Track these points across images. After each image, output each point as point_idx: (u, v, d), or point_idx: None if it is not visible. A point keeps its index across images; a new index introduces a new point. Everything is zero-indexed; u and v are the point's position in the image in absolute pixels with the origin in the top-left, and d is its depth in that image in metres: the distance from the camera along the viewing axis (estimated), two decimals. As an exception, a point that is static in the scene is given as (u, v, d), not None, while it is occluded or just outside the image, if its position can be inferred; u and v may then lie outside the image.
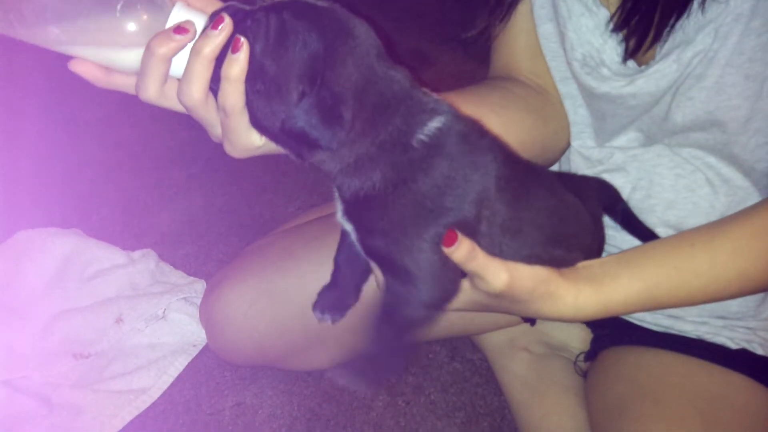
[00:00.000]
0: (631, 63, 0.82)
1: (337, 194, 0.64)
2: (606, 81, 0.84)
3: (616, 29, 0.79)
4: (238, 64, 0.57)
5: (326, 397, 1.08)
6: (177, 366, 1.11)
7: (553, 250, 0.70)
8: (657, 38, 0.76)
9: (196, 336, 1.15)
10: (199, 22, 0.60)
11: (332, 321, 0.77)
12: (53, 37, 0.60)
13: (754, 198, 0.82)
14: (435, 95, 0.64)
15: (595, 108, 0.89)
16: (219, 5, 0.64)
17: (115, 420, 1.04)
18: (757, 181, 0.81)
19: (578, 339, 1.04)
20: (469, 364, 1.14)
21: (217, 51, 0.59)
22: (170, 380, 1.10)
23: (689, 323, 0.88)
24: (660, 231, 0.86)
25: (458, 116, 0.63)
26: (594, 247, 0.78)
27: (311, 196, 1.45)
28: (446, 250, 0.61)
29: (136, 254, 1.28)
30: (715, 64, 0.75)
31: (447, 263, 0.62)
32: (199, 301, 1.17)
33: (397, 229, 0.61)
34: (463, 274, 0.66)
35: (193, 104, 0.61)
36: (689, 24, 0.75)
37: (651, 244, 0.78)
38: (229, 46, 0.58)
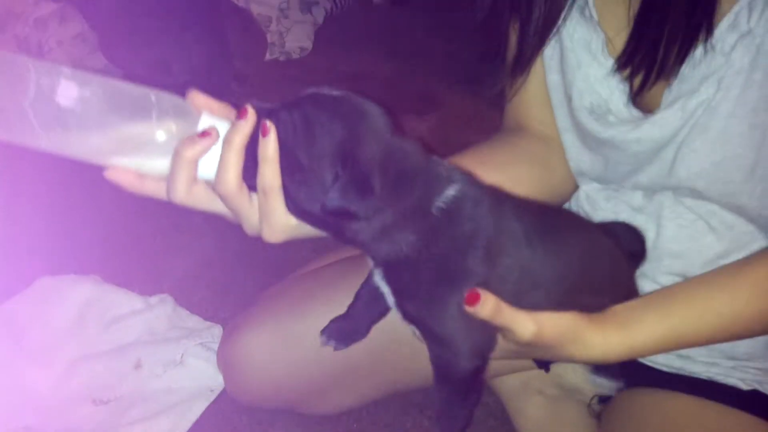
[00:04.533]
0: (637, 113, 0.84)
1: (371, 261, 0.69)
2: (612, 126, 0.87)
3: (621, 68, 0.81)
4: (270, 145, 0.63)
5: (344, 441, 1.09)
6: (195, 411, 1.13)
7: (585, 296, 0.74)
8: (660, 75, 0.77)
9: (214, 381, 1.17)
10: (224, 127, 0.66)
11: (335, 348, 0.81)
12: (91, 149, 0.65)
13: (759, 240, 0.84)
14: (447, 164, 0.68)
15: (598, 155, 0.91)
16: (233, 111, 0.69)
17: (135, 466, 1.05)
18: (763, 225, 0.83)
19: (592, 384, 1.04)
20: (483, 407, 1.15)
21: (245, 139, 0.64)
22: (189, 425, 1.11)
23: (700, 364, 0.89)
24: (667, 280, 0.88)
25: (472, 182, 0.67)
26: (626, 292, 0.80)
27: (326, 239, 1.47)
28: (470, 309, 0.64)
29: (154, 299, 1.30)
30: (719, 114, 0.78)
31: (478, 321, 0.65)
32: (216, 346, 1.18)
33: (425, 293, 0.66)
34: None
35: (229, 192, 0.66)
36: (694, 74, 0.78)
37: (673, 287, 0.81)
38: (256, 136, 0.64)
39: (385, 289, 0.69)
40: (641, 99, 0.83)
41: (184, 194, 0.67)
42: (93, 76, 0.64)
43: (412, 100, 2.17)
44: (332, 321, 0.81)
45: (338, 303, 0.92)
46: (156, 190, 0.69)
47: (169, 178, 0.67)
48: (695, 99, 0.78)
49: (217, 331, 1.25)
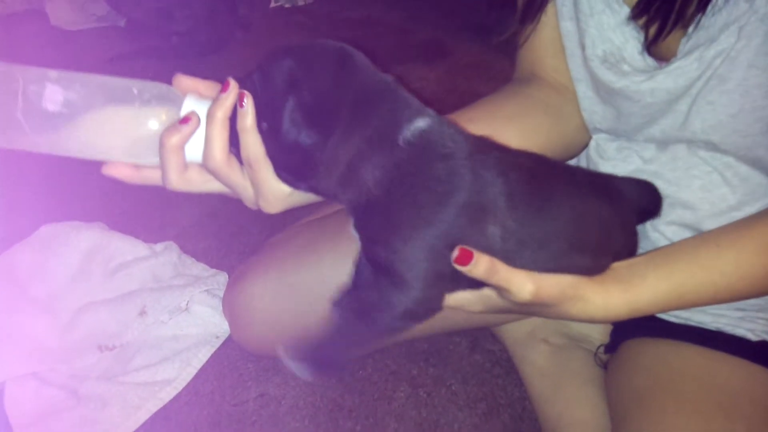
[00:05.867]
0: (652, 62, 0.82)
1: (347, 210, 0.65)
2: (625, 76, 0.84)
3: (636, 16, 0.79)
4: (247, 116, 0.62)
5: (348, 388, 1.09)
6: (200, 357, 1.13)
7: (579, 258, 0.70)
8: (677, 23, 0.75)
9: (219, 328, 1.17)
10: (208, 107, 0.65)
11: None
12: (85, 148, 0.66)
13: None
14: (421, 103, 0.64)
15: (611, 106, 0.89)
16: (218, 86, 0.68)
17: (140, 412, 1.05)
18: None
19: (598, 330, 1.04)
20: (489, 355, 1.15)
21: (228, 112, 0.63)
22: (194, 372, 1.11)
23: (708, 315, 0.88)
24: (677, 231, 0.86)
25: (448, 123, 0.63)
26: (624, 252, 0.77)
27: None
28: (463, 268, 0.61)
29: (159, 247, 1.30)
30: (739, 65, 0.75)
31: (439, 278, 0.62)
32: (221, 294, 1.18)
33: (394, 235, 0.61)
34: (451, 290, 0.66)
35: (217, 166, 0.66)
36: (713, 22, 0.75)
37: (676, 244, 0.78)
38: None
39: (356, 237, 0.65)
40: (656, 48, 0.80)
41: (177, 181, 0.68)
42: (77, 75, 0.65)
43: (420, 47, 2.14)
44: (341, 293, 0.78)
45: (341, 251, 0.92)
46: (154, 178, 0.70)
47: (161, 167, 0.67)
48: (714, 48, 0.76)
49: (222, 278, 1.25)
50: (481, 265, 0.62)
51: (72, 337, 1.16)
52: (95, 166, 0.68)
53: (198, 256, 1.32)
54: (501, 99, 0.94)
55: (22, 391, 1.07)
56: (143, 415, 1.05)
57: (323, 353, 0.66)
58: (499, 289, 0.66)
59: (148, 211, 1.43)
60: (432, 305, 0.65)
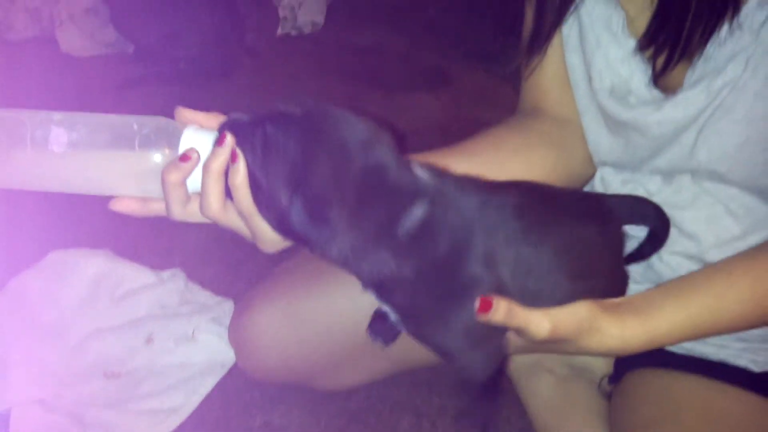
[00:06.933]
0: (659, 94, 0.83)
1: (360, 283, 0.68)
2: (633, 108, 0.85)
3: (643, 47, 0.80)
4: (238, 174, 0.63)
5: (352, 417, 1.10)
6: (206, 386, 1.13)
7: (583, 284, 0.72)
8: (684, 54, 0.76)
9: (225, 356, 1.17)
10: (209, 139, 0.66)
11: (385, 344, 0.80)
12: (93, 185, 0.69)
13: None
14: (419, 168, 0.65)
15: (618, 138, 0.90)
16: (221, 118, 0.69)
17: (146, 440, 1.06)
18: None
19: (602, 361, 1.04)
20: (493, 385, 1.15)
21: (223, 166, 0.64)
22: (200, 400, 1.12)
23: (710, 346, 0.89)
24: (681, 262, 0.87)
25: (441, 192, 0.64)
26: (613, 275, 0.79)
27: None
28: (483, 317, 0.63)
29: (165, 274, 1.31)
30: (745, 95, 0.76)
31: (485, 333, 0.66)
32: (227, 322, 1.19)
33: (424, 312, 0.65)
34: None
35: (214, 215, 0.67)
36: (719, 53, 0.76)
37: (689, 275, 0.79)
38: None
39: (386, 308, 0.68)
40: (663, 79, 0.82)
41: (179, 214, 0.69)
42: (79, 115, 0.67)
43: (424, 75, 2.16)
44: (373, 318, 0.80)
45: (348, 281, 0.92)
46: (160, 209, 0.71)
47: (165, 201, 0.69)
48: (720, 79, 0.77)
49: (229, 306, 1.26)
50: (500, 310, 0.63)
51: (78, 364, 1.17)
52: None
53: (204, 282, 1.33)
54: (505, 132, 0.95)
55: (27, 418, 1.08)
56: (149, 443, 1.06)
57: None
58: (519, 331, 0.68)
59: (154, 237, 1.44)
60: (496, 352, 0.71)
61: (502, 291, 0.64)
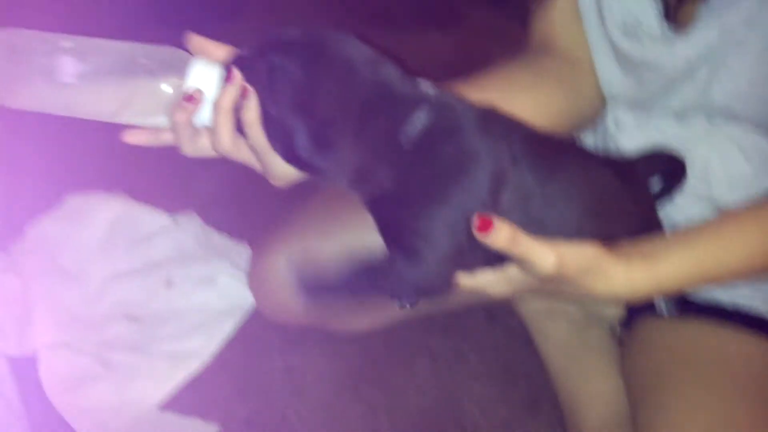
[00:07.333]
0: (671, 30, 0.82)
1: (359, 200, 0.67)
2: (645, 47, 0.84)
3: None
4: (250, 111, 0.64)
5: (370, 359, 1.13)
6: (226, 329, 1.16)
7: (593, 223, 0.70)
8: None
9: (244, 299, 1.19)
10: (217, 73, 0.67)
11: (410, 306, 0.77)
12: (102, 112, 0.68)
13: None
14: (424, 83, 0.65)
15: (630, 76, 0.90)
16: (231, 50, 0.69)
17: (169, 382, 1.09)
18: None
19: (616, 309, 1.06)
20: (507, 328, 1.18)
21: (233, 103, 0.65)
22: (220, 342, 1.14)
23: (724, 292, 0.90)
24: (696, 206, 0.87)
25: (447, 102, 0.63)
26: (645, 232, 0.78)
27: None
28: (483, 237, 0.61)
29: (181, 217, 1.32)
30: (760, 30, 0.75)
31: (457, 255, 0.64)
32: (244, 265, 1.21)
33: (412, 217, 0.63)
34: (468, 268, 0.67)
35: (225, 150, 0.68)
36: None
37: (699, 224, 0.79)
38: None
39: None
40: (675, 15, 0.81)
41: (191, 149, 0.71)
42: (89, 42, 0.68)
43: (434, 13, 2.12)
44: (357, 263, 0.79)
45: (362, 223, 0.93)
46: (171, 140, 0.71)
47: (174, 137, 0.70)
48: (735, 15, 0.76)
49: (244, 249, 1.27)
50: (502, 232, 0.61)
51: (100, 307, 1.19)
52: (114, 137, 0.70)
53: (218, 225, 1.34)
54: (515, 68, 0.93)
55: (55, 360, 1.11)
56: (172, 386, 1.09)
57: (327, 290, 0.69)
58: (521, 262, 0.65)
59: (169, 182, 1.44)
60: (443, 283, 0.66)
61: (504, 213, 0.62)
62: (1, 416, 1.04)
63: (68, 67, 0.66)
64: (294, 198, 1.20)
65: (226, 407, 1.08)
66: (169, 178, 1.45)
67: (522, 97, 0.86)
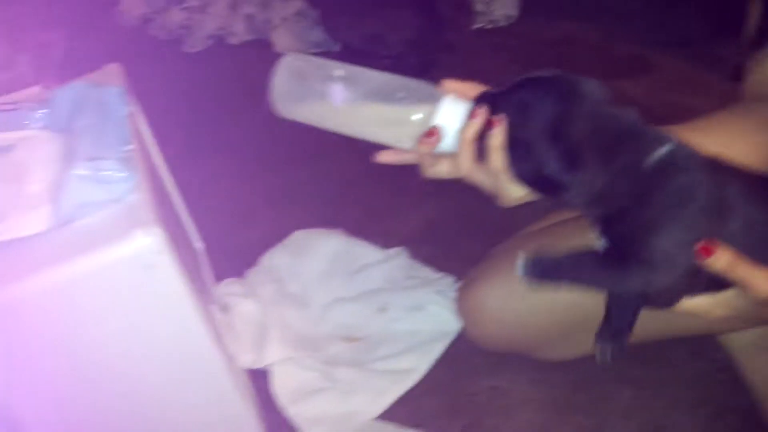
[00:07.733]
0: None
1: (590, 224, 0.74)
2: None
3: None
4: (497, 137, 0.72)
5: (575, 386, 1.18)
6: (436, 350, 1.26)
7: None
8: None
9: (450, 325, 1.29)
10: (464, 109, 0.77)
11: (614, 357, 0.80)
12: (356, 128, 0.81)
13: None
14: (661, 129, 0.70)
15: None
16: (480, 89, 0.79)
17: (386, 396, 1.20)
18: None
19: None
20: (712, 362, 1.19)
21: (477, 134, 0.75)
22: (431, 362, 1.24)
23: None
24: None
25: (685, 144, 0.69)
26: None
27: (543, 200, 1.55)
28: (705, 261, 0.65)
29: (392, 252, 1.46)
30: None
31: (686, 274, 0.68)
32: (450, 294, 1.32)
33: (649, 233, 0.67)
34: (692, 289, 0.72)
35: (465, 173, 0.78)
36: None
37: None
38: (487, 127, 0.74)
39: (600, 244, 0.72)
40: None
41: (431, 172, 0.82)
42: (357, 72, 0.80)
43: (622, 63, 2.17)
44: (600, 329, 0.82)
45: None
46: (410, 159, 0.83)
47: (418, 160, 0.81)
48: None
49: (449, 280, 1.38)
50: (723, 257, 0.65)
51: (322, 329, 1.34)
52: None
53: (425, 261, 1.46)
54: (734, 116, 0.96)
55: (285, 374, 1.25)
56: (388, 400, 1.19)
57: (550, 271, 0.75)
58: (741, 286, 0.68)
59: (374, 220, 1.59)
60: (669, 297, 0.72)
61: (729, 239, 0.66)
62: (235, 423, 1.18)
63: (339, 92, 0.79)
64: (493, 237, 1.29)
65: (437, 423, 1.16)
66: (373, 217, 1.60)
67: (743, 142, 0.89)
